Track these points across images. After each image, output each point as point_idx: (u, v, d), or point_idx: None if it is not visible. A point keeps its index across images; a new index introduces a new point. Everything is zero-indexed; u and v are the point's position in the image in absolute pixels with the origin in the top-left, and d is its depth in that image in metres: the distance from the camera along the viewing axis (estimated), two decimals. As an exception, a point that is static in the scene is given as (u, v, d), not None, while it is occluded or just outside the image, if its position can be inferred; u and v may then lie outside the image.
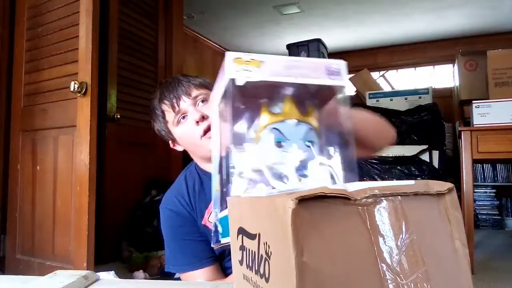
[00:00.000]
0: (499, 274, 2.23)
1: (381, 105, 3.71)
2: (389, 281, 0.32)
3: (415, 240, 0.33)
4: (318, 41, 3.70)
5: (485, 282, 2.06)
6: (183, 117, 0.97)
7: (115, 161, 2.60)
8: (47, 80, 2.11)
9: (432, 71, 5.13)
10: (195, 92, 0.98)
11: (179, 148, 1.04)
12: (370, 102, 3.86)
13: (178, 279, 1.03)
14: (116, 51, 2.63)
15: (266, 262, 0.34)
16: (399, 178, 3.09)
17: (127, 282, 0.73)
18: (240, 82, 0.50)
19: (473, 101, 2.30)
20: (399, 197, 0.34)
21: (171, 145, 1.06)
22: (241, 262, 0.42)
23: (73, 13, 1.97)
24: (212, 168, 0.89)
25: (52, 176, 2.07)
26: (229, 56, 0.51)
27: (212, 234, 0.59)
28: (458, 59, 3.22)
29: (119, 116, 2.60)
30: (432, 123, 3.26)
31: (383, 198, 0.34)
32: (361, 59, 5.01)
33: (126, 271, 2.29)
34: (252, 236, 0.38)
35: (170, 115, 0.99)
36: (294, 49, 3.73)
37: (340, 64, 0.54)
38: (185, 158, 1.07)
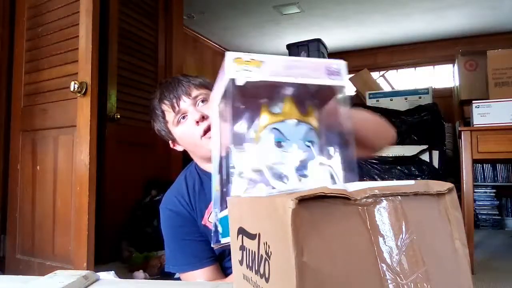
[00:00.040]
0: (499, 274, 2.23)
1: (381, 105, 3.71)
2: (389, 281, 0.32)
3: (415, 240, 0.33)
4: (318, 41, 3.70)
5: (485, 282, 2.06)
6: (183, 117, 0.97)
7: (115, 161, 2.60)
8: (47, 80, 2.11)
9: (432, 71, 5.13)
10: (195, 92, 0.98)
11: (179, 148, 1.04)
12: (370, 102, 3.86)
13: (178, 279, 1.03)
14: (116, 51, 2.63)
15: (266, 262, 0.34)
16: (399, 178, 3.09)
17: (127, 282, 0.73)
18: (240, 82, 0.50)
19: (473, 101, 2.30)
20: (399, 197, 0.34)
21: (171, 145, 1.05)
22: (241, 262, 0.42)
23: (73, 13, 1.97)
24: (212, 168, 0.89)
25: (52, 176, 2.07)
26: (229, 56, 0.51)
27: (212, 234, 0.59)
28: (458, 59, 3.22)
29: (119, 116, 2.60)
30: (432, 123, 3.26)
31: (383, 198, 0.34)
32: (361, 59, 5.02)
33: (126, 271, 2.29)
34: (252, 236, 0.38)
35: (170, 115, 0.99)
36: (294, 49, 3.73)
37: (340, 64, 0.54)
38: (185, 158, 1.07)
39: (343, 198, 0.32)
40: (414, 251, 0.33)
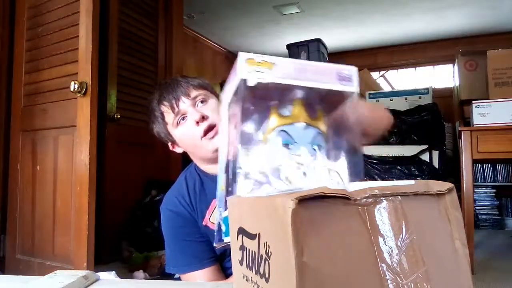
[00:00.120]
0: (499, 274, 2.23)
1: (381, 105, 3.71)
2: (389, 281, 0.32)
3: (415, 240, 0.33)
4: (318, 41, 3.70)
5: (485, 282, 2.06)
6: (183, 118, 0.96)
7: (115, 161, 2.60)
8: (47, 80, 2.11)
9: (432, 71, 5.13)
10: (194, 93, 0.98)
11: (178, 150, 1.03)
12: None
13: (178, 279, 1.03)
14: (116, 51, 2.63)
15: (266, 262, 0.34)
16: (399, 178, 3.09)
17: (127, 282, 0.73)
18: (251, 82, 0.50)
19: (473, 101, 2.30)
20: (399, 197, 0.34)
21: (170, 147, 1.05)
22: (241, 262, 0.42)
23: (73, 13, 1.97)
24: (218, 167, 0.88)
25: (52, 176, 2.07)
26: (242, 56, 0.51)
27: (215, 233, 0.59)
28: (458, 59, 3.22)
29: (119, 116, 2.60)
30: (432, 123, 3.26)
31: (383, 198, 0.34)
32: (361, 59, 5.02)
33: (126, 271, 2.29)
34: (252, 236, 0.38)
35: (169, 117, 0.98)
36: (294, 49, 3.73)
37: (352, 70, 0.54)
38: (185, 158, 1.07)
39: (343, 198, 0.32)
40: (414, 251, 0.33)
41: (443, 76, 5.00)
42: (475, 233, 2.43)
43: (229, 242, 0.52)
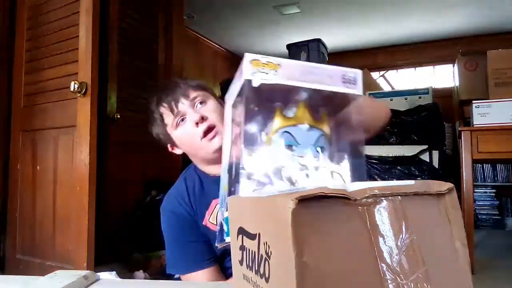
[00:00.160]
0: (499, 274, 2.23)
1: (381, 105, 3.70)
2: (389, 281, 0.32)
3: (415, 240, 0.33)
4: (318, 41, 3.70)
5: (485, 282, 2.06)
6: (182, 120, 0.97)
7: (115, 161, 2.60)
8: (47, 80, 2.11)
9: (432, 71, 5.13)
10: (193, 94, 0.98)
11: (178, 151, 1.04)
12: (370, 102, 3.85)
13: (179, 279, 1.03)
14: (116, 51, 2.63)
15: (266, 262, 0.34)
16: (399, 178, 3.08)
17: (127, 282, 0.73)
18: (255, 83, 0.50)
19: (473, 101, 2.30)
20: (399, 197, 0.34)
21: (170, 149, 1.05)
22: (241, 262, 0.42)
23: (73, 13, 1.97)
24: (216, 168, 0.88)
25: (52, 176, 2.07)
26: (247, 57, 0.51)
27: (217, 233, 0.60)
28: (458, 59, 3.22)
29: (119, 116, 2.60)
30: (432, 123, 3.26)
31: (383, 198, 0.34)
32: (361, 59, 5.02)
33: (126, 271, 2.29)
34: (252, 236, 0.38)
35: (168, 118, 0.99)
36: (294, 49, 3.72)
37: (357, 73, 0.54)
38: (185, 158, 1.07)
39: (343, 198, 0.32)
40: (414, 251, 0.33)
41: (443, 76, 4.99)
42: (475, 233, 2.44)
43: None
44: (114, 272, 0.72)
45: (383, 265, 0.32)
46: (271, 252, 0.34)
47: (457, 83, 3.45)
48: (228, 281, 0.97)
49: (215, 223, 0.96)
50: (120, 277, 0.73)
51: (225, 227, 0.56)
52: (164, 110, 0.99)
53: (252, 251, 0.38)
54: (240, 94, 0.53)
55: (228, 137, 0.60)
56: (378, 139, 3.24)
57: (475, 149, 2.24)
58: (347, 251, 0.32)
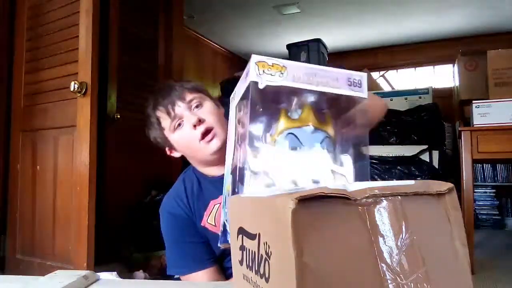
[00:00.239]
0: (499, 274, 2.23)
1: (381, 105, 3.69)
2: (389, 281, 0.32)
3: (415, 240, 0.33)
4: (318, 41, 3.70)
5: (485, 282, 2.06)
6: (179, 124, 0.97)
7: (115, 161, 2.60)
8: (47, 80, 2.11)
9: (432, 71, 5.12)
10: (189, 96, 0.98)
11: (176, 154, 1.04)
12: (370, 102, 3.84)
13: (179, 279, 1.03)
14: (116, 51, 2.63)
15: (266, 262, 0.34)
16: (399, 178, 3.08)
17: (127, 282, 0.73)
18: (261, 85, 0.50)
19: (473, 101, 2.30)
20: (399, 197, 0.34)
21: (168, 152, 1.05)
22: (241, 262, 0.42)
23: (73, 13, 1.97)
24: (215, 169, 0.89)
25: (52, 176, 2.07)
26: (253, 58, 0.51)
27: (220, 233, 0.60)
28: (458, 59, 3.22)
29: (119, 116, 2.60)
30: (432, 123, 3.25)
31: (383, 198, 0.34)
32: (361, 59, 5.01)
33: (126, 271, 2.29)
34: (252, 236, 0.38)
35: (166, 122, 0.99)
36: (294, 49, 3.72)
37: (362, 76, 0.55)
38: (185, 159, 1.08)
39: (343, 198, 0.32)
40: (414, 251, 0.33)
41: (443, 76, 4.99)
42: (475, 233, 2.43)
43: None
44: (114, 273, 0.72)
45: (383, 265, 0.32)
46: (271, 252, 0.34)
47: (457, 83, 3.45)
48: (228, 281, 0.97)
49: (213, 223, 0.96)
50: (120, 277, 0.73)
51: (228, 228, 0.56)
52: (160, 113, 0.99)
53: (252, 251, 0.38)
54: (245, 96, 0.53)
55: (232, 138, 0.60)
56: (378, 139, 3.24)
57: (475, 149, 2.23)
58: (347, 251, 0.32)
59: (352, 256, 0.32)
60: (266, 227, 0.35)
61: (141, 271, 2.21)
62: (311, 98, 0.54)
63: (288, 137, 0.53)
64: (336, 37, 4.69)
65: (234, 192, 0.56)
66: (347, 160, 0.55)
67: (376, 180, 3.04)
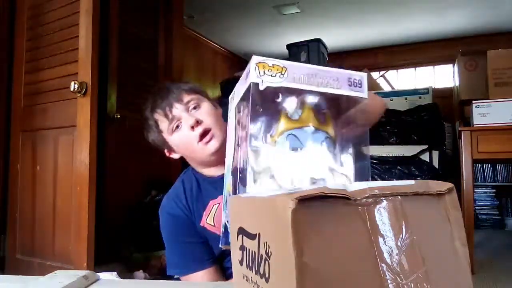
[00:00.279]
0: (499, 274, 2.23)
1: (381, 105, 3.69)
2: (389, 281, 0.32)
3: (415, 240, 0.33)
4: (318, 41, 3.70)
5: (485, 282, 2.06)
6: (177, 126, 0.97)
7: (115, 161, 2.60)
8: (47, 80, 2.11)
9: (432, 71, 5.12)
10: (186, 98, 0.98)
11: (175, 156, 1.04)
12: (370, 102, 3.84)
13: (178, 279, 1.03)
14: (116, 51, 2.63)
15: (266, 262, 0.34)
16: (399, 178, 3.08)
17: (127, 282, 0.73)
18: (262, 87, 0.50)
19: (473, 101, 2.30)
20: (399, 197, 0.34)
21: (167, 154, 1.06)
22: (241, 262, 0.42)
23: (73, 13, 1.97)
24: (214, 170, 0.88)
25: (52, 176, 2.07)
26: (254, 60, 0.51)
27: (221, 235, 0.60)
28: (458, 59, 3.22)
29: (119, 116, 2.60)
30: (432, 123, 3.25)
31: (383, 198, 0.34)
32: (361, 59, 5.01)
33: (126, 271, 2.29)
34: (252, 236, 0.38)
35: (164, 124, 0.99)
36: (294, 49, 3.72)
37: (362, 77, 0.55)
38: (184, 160, 1.08)
39: (343, 198, 0.32)
40: (414, 251, 0.33)
41: (443, 76, 4.99)
42: (475, 233, 2.43)
43: None
44: (114, 273, 0.72)
45: (383, 265, 0.32)
46: (271, 252, 0.34)
47: (457, 83, 3.45)
48: (228, 281, 0.97)
49: (212, 224, 0.96)
50: (120, 277, 0.73)
51: (229, 229, 0.56)
52: (158, 116, 0.99)
53: (252, 251, 0.38)
54: (245, 96, 0.53)
55: (232, 138, 0.60)
56: (378, 139, 3.24)
57: (475, 149, 2.23)
58: (347, 251, 0.32)
59: (352, 256, 0.32)
60: (266, 227, 0.35)
61: (141, 271, 2.20)
62: (311, 99, 0.54)
63: (288, 137, 0.53)
64: (336, 37, 4.69)
65: (235, 193, 0.56)
66: (348, 160, 0.55)
67: (376, 180, 3.03)
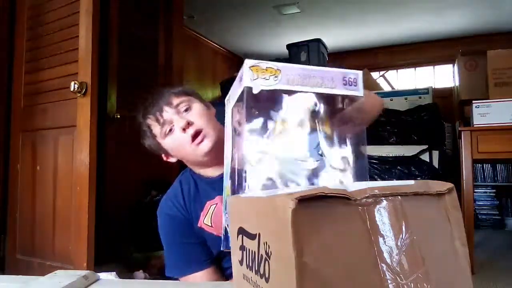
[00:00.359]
0: (499, 274, 2.23)
1: (381, 105, 3.69)
2: (389, 281, 0.32)
3: (415, 240, 0.33)
4: (318, 41, 3.70)
5: (485, 282, 2.06)
6: (170, 130, 0.97)
7: (115, 161, 2.60)
8: (47, 80, 2.11)
9: (432, 71, 5.12)
10: (176, 100, 0.98)
11: (172, 159, 1.05)
12: (370, 102, 3.84)
13: (178, 279, 1.03)
14: (116, 51, 2.63)
15: (266, 262, 0.34)
16: (399, 178, 3.08)
17: (127, 282, 0.73)
18: (256, 90, 0.50)
19: (473, 101, 2.30)
20: (399, 197, 0.34)
21: (164, 158, 1.06)
22: (241, 262, 0.42)
23: (73, 13, 1.97)
24: (212, 171, 0.88)
25: (52, 176, 2.07)
26: (247, 63, 0.51)
27: (222, 238, 0.60)
28: (458, 59, 3.22)
29: (119, 116, 2.60)
30: (432, 123, 3.25)
31: (383, 198, 0.34)
32: (361, 59, 5.01)
33: (126, 271, 2.29)
34: (252, 236, 0.38)
35: (156, 129, 1.00)
36: (294, 49, 3.72)
37: (357, 74, 0.54)
38: (182, 162, 1.08)
39: (343, 198, 0.32)
40: (414, 251, 0.33)
41: (443, 76, 4.99)
42: (475, 233, 2.43)
43: None
44: (114, 273, 0.72)
45: (383, 265, 0.32)
46: (271, 252, 0.34)
47: (457, 83, 3.45)
48: (228, 281, 0.97)
49: (210, 224, 0.97)
50: (120, 277, 0.73)
51: (229, 233, 0.56)
52: (150, 121, 1.01)
53: (252, 251, 0.38)
54: (240, 100, 0.53)
55: (229, 141, 0.60)
56: (378, 139, 3.24)
57: (475, 149, 2.23)
58: (347, 251, 0.32)
59: (352, 256, 0.32)
60: (266, 227, 0.35)
61: (141, 271, 2.21)
62: (307, 99, 0.54)
63: (285, 139, 0.53)
64: (336, 37, 4.69)
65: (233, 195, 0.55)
66: (345, 159, 0.55)
67: (376, 180, 3.03)
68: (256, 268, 0.37)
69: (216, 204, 0.96)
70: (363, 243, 0.32)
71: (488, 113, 2.23)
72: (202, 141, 0.93)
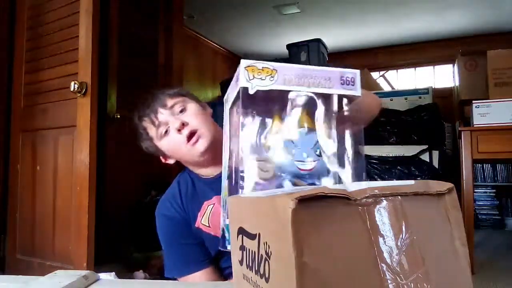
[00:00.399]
0: (499, 274, 2.23)
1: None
2: (389, 281, 0.32)
3: (415, 240, 0.33)
4: (318, 41, 3.70)
5: (485, 282, 2.06)
6: (166, 131, 0.97)
7: (115, 161, 2.60)
8: (47, 80, 2.11)
9: (432, 71, 5.13)
10: (170, 102, 0.98)
11: (170, 161, 1.04)
12: (370, 102, 3.84)
13: (176, 279, 1.03)
14: (116, 51, 2.63)
15: (266, 262, 0.34)
16: (399, 178, 3.08)
17: (127, 282, 0.73)
18: (252, 91, 0.50)
19: (473, 101, 2.30)
20: (399, 197, 0.34)
21: (163, 160, 1.06)
22: (241, 262, 0.42)
23: (73, 13, 1.97)
24: (210, 171, 0.88)
25: (52, 176, 2.07)
26: (243, 64, 0.51)
27: (220, 238, 0.60)
28: (458, 59, 3.22)
29: (119, 116, 2.60)
30: (432, 123, 3.25)
31: (383, 198, 0.34)
32: (361, 59, 5.01)
33: (126, 271, 2.29)
34: (252, 236, 0.38)
35: (152, 131, 1.00)
36: (294, 49, 3.72)
37: (355, 73, 0.54)
38: (180, 163, 1.08)
39: (343, 198, 0.32)
40: (414, 251, 0.33)
41: (443, 76, 4.99)
42: (475, 233, 2.43)
43: None
44: (113, 273, 0.72)
45: (383, 265, 0.32)
46: (271, 252, 0.34)
47: (457, 83, 3.45)
48: (228, 281, 0.97)
49: (207, 224, 0.97)
50: (120, 277, 0.73)
51: (227, 235, 0.56)
52: (146, 124, 1.01)
53: (252, 251, 0.38)
54: (237, 100, 0.53)
55: (227, 142, 0.60)
56: (378, 139, 3.24)
57: (475, 149, 2.23)
58: (347, 251, 0.32)
59: (352, 256, 0.32)
60: (266, 227, 0.35)
61: (141, 271, 2.21)
62: (303, 99, 0.54)
63: (282, 140, 0.53)
64: (336, 37, 4.69)
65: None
66: (343, 159, 0.55)
67: (376, 180, 3.03)
68: (256, 268, 0.37)
69: (214, 204, 0.97)
70: (363, 243, 0.32)
71: (488, 113, 2.23)
72: (197, 141, 0.93)
